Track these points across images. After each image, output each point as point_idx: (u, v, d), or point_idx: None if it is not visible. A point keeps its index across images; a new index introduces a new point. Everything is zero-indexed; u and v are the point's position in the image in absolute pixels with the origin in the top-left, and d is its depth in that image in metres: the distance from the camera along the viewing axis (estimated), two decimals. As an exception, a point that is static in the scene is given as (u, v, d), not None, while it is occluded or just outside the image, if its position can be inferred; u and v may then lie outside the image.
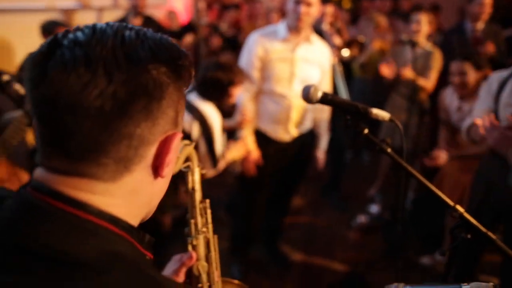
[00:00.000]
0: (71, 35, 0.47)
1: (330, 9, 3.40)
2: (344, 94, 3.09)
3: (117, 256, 0.46)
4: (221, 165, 2.09)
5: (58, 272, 0.43)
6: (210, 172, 2.04)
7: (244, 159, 2.30)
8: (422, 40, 3.06)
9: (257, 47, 2.29)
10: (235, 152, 2.14)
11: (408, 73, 2.94)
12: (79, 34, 0.47)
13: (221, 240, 0.90)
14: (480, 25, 3.28)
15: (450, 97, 2.68)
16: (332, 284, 2.61)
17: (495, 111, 1.72)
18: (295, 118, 2.37)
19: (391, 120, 1.01)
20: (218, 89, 2.05)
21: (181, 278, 0.83)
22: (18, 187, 0.53)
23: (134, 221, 0.53)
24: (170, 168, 0.54)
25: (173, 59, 0.50)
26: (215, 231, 0.90)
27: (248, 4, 5.28)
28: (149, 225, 0.58)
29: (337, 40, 3.26)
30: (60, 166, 0.48)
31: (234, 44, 4.13)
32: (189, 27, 4.55)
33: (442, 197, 0.98)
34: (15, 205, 0.48)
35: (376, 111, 1.01)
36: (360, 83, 3.74)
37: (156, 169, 0.52)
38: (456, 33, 3.46)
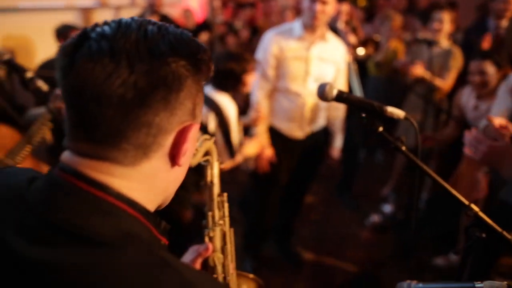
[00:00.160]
0: (98, 29, 0.51)
1: (345, 7, 3.38)
2: (358, 92, 3.08)
3: (132, 236, 0.49)
4: (238, 158, 2.11)
5: (78, 246, 0.47)
6: (228, 164, 2.06)
7: (258, 156, 2.32)
8: (443, 39, 3.01)
9: (272, 45, 2.30)
10: (250, 149, 2.16)
11: (418, 70, 2.89)
12: (106, 28, 0.51)
13: (235, 237, 0.92)
14: (504, 23, 3.17)
15: (467, 96, 2.64)
16: (343, 283, 2.61)
17: None
18: (309, 116, 2.38)
19: (406, 118, 1.01)
20: (231, 79, 2.06)
21: (197, 268, 0.86)
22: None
23: (151, 206, 0.56)
24: (186, 158, 0.57)
25: (192, 54, 0.53)
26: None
27: (263, 2, 5.29)
28: (170, 219, 0.61)
29: (352, 39, 3.25)
30: (85, 150, 0.51)
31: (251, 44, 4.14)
32: (204, 26, 4.59)
33: (457, 196, 0.98)
34: (44, 185, 0.52)
35: (391, 109, 1.01)
36: (375, 82, 3.71)
37: (173, 157, 0.55)
38: (478, 31, 3.36)
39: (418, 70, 2.88)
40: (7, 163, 1.52)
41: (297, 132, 2.42)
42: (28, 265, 0.46)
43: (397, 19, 3.71)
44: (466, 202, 0.98)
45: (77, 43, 0.50)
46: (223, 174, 0.96)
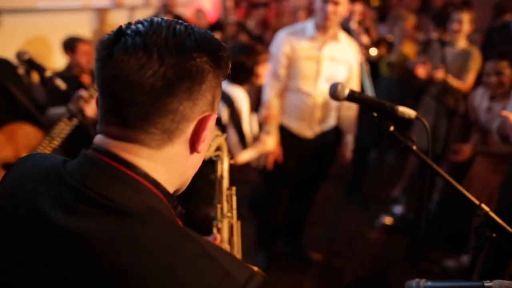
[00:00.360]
0: (133, 26, 0.57)
1: (358, 7, 3.37)
2: (370, 92, 3.07)
3: (156, 211, 0.55)
4: (259, 148, 2.11)
5: (109, 217, 0.52)
6: (247, 153, 2.07)
7: (267, 154, 2.34)
8: (461, 39, 2.98)
9: (284, 45, 2.32)
10: (268, 144, 2.17)
11: (440, 75, 2.85)
12: (139, 25, 0.57)
13: (244, 236, 0.95)
14: None
15: (480, 97, 2.61)
16: (352, 283, 2.61)
17: None
18: (319, 116, 2.39)
19: (417, 117, 1.02)
20: (244, 71, 2.07)
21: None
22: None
23: (170, 188, 0.62)
24: (205, 145, 0.63)
25: (214, 51, 0.58)
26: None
27: (275, 2, 5.31)
28: (188, 209, 0.64)
29: (365, 39, 3.24)
30: (116, 133, 0.57)
31: (261, 43, 4.16)
32: (217, 26, 4.62)
33: (468, 196, 0.99)
34: (79, 162, 0.58)
35: (402, 109, 1.02)
36: (387, 82, 3.70)
37: (193, 144, 0.61)
38: (499, 31, 3.30)
39: (440, 74, 2.84)
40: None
41: (307, 131, 2.43)
42: (63, 233, 0.52)
43: (410, 19, 3.69)
44: (477, 202, 0.98)
45: (114, 38, 0.56)
46: (233, 173, 1.00)
